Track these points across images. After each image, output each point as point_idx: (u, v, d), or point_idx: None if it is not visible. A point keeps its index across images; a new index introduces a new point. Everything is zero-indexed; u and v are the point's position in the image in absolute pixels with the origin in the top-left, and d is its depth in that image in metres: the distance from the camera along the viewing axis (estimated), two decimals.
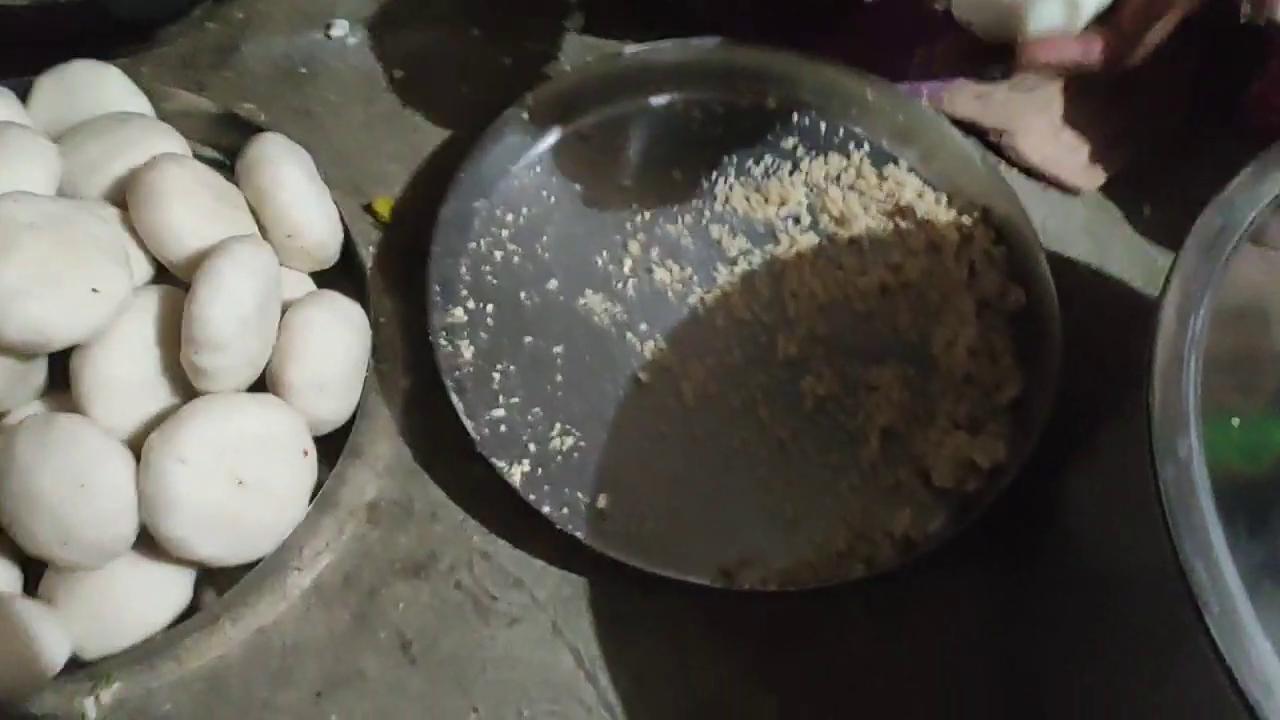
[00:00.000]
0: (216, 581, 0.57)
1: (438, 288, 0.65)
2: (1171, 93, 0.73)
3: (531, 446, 0.63)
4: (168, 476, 0.52)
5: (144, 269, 0.58)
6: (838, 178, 0.74)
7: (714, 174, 0.74)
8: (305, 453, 0.57)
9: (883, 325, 0.69)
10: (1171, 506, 0.41)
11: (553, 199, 0.72)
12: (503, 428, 0.64)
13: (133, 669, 0.55)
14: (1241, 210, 0.48)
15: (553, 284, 0.69)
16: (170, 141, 0.62)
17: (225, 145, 0.68)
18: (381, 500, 0.62)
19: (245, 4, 0.77)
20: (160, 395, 0.56)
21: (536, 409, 0.65)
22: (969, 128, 0.74)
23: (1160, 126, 0.74)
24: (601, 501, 0.62)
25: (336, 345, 0.59)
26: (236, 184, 0.62)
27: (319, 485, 0.58)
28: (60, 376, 0.55)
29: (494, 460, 0.60)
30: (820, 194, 0.73)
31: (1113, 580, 0.50)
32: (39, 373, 0.55)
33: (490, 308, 0.68)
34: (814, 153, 0.75)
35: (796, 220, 0.72)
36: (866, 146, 0.75)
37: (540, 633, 0.59)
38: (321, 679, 0.57)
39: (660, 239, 0.71)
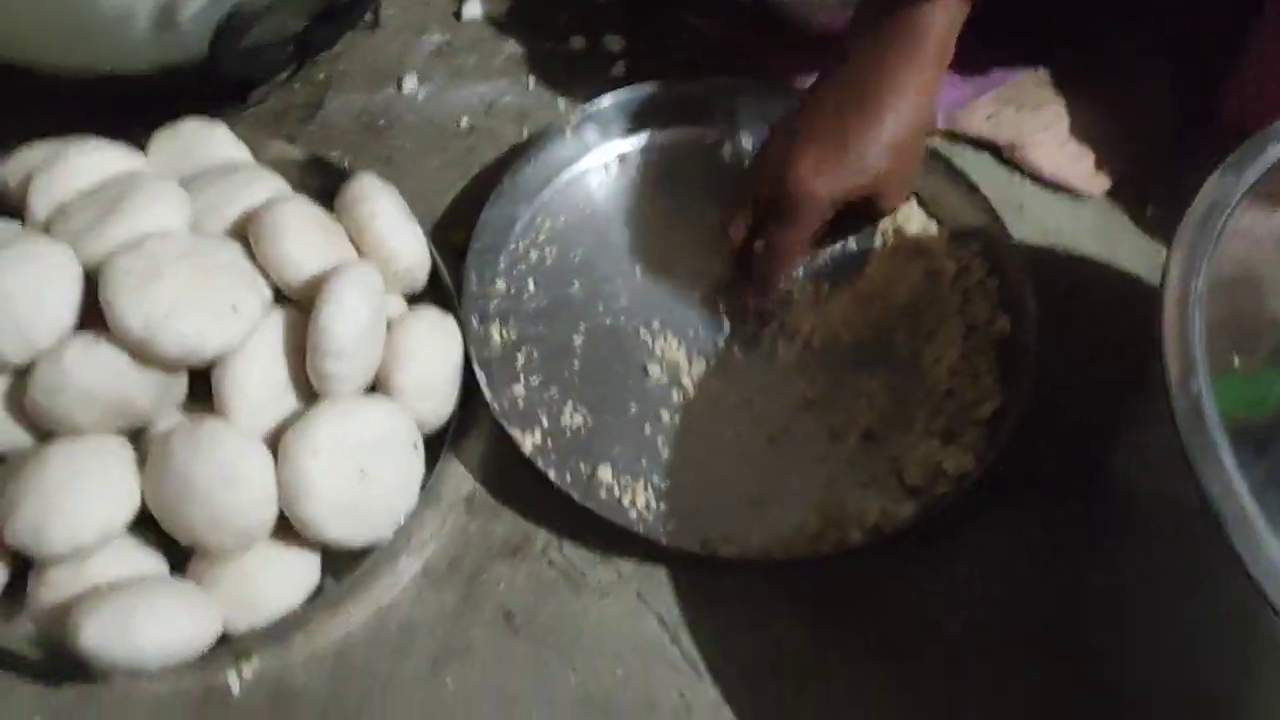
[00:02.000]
0: (337, 569, 0.64)
1: (475, 276, 0.73)
2: (1159, 101, 0.80)
3: (544, 421, 0.70)
4: (303, 468, 0.59)
5: (268, 295, 0.65)
6: None
7: None
8: (415, 446, 0.64)
9: (877, 340, 0.74)
10: (1187, 434, 0.48)
11: (589, 210, 0.80)
12: (521, 403, 0.71)
13: (270, 645, 0.62)
14: (1228, 190, 0.55)
15: (578, 283, 0.76)
16: (276, 184, 0.70)
17: (316, 188, 0.75)
18: (477, 492, 0.69)
19: (327, 65, 0.85)
20: (289, 400, 0.63)
21: (553, 389, 0.72)
22: (982, 144, 0.81)
23: (1154, 133, 0.80)
24: (600, 473, 0.68)
25: (436, 353, 0.67)
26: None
27: (425, 480, 0.65)
28: (197, 392, 0.63)
29: (509, 428, 0.68)
30: None
31: (1149, 511, 0.58)
32: (181, 386, 0.63)
33: (521, 299, 0.75)
34: None
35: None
36: None
37: (627, 602, 0.65)
38: (436, 652, 0.63)
39: (678, 250, 0.78)
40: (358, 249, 0.69)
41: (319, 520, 0.60)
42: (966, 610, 0.65)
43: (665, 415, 0.72)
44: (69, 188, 0.64)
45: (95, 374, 0.58)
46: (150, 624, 0.55)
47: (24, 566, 0.58)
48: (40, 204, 0.63)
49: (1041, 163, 0.79)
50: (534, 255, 0.78)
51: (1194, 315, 0.52)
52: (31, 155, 0.67)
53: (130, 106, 0.72)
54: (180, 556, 0.61)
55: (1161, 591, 0.56)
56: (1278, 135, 0.56)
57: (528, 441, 0.69)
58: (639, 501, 0.68)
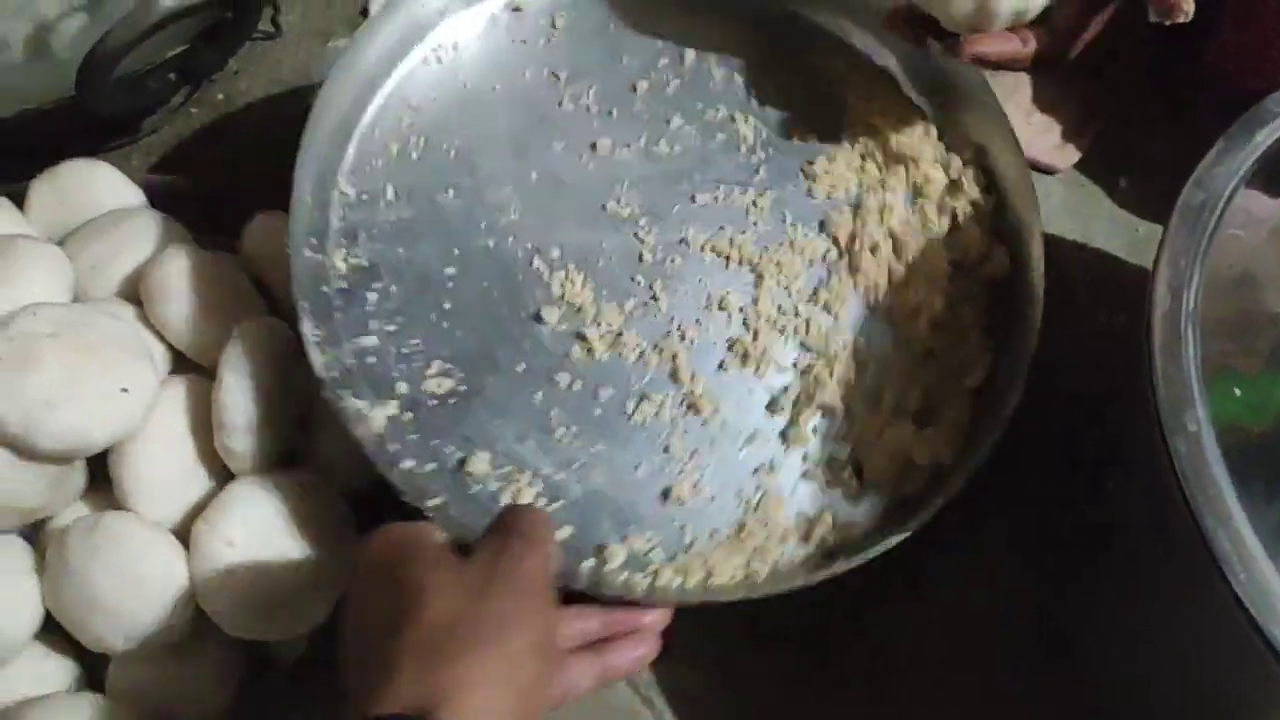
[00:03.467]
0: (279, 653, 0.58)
1: (308, 185, 0.60)
2: (1131, 68, 0.75)
3: (402, 386, 0.59)
4: (217, 559, 0.53)
5: (164, 361, 0.59)
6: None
7: (682, 75, 0.70)
8: (343, 520, 0.58)
9: (836, 276, 0.65)
10: (1187, 479, 0.43)
11: (467, 86, 0.67)
12: (371, 358, 0.59)
13: None
14: (1220, 182, 0.49)
15: (452, 190, 0.64)
16: (170, 232, 0.63)
17: (224, 224, 0.68)
18: None
19: (224, 84, 0.78)
20: (199, 482, 0.57)
21: (415, 340, 0.60)
22: None
23: (1124, 101, 0.75)
24: (475, 464, 0.58)
25: None
26: (241, 260, 0.63)
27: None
28: (100, 473, 0.57)
29: (351, 399, 0.56)
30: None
31: (1139, 529, 0.53)
32: (79, 475, 0.57)
33: (375, 209, 0.62)
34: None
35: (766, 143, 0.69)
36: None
37: None
38: None
39: (603, 156, 0.67)
40: (267, 294, 0.63)
41: (239, 617, 0.54)
42: (954, 634, 0.61)
43: (563, 380, 0.61)
44: None
45: None
46: None
47: None
48: None
49: None
50: (393, 148, 0.64)
51: (1188, 333, 0.47)
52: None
53: (7, 153, 0.65)
54: (98, 661, 0.55)
55: (1151, 612, 0.53)
56: (1264, 119, 0.50)
57: (378, 416, 0.57)
58: (521, 500, 0.58)
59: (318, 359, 0.57)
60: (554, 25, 0.70)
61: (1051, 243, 0.69)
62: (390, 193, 0.64)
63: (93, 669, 0.56)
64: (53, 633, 0.55)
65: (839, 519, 0.61)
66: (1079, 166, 0.75)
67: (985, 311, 0.66)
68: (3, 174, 0.64)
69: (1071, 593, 0.62)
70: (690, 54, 0.70)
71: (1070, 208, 0.74)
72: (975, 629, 0.62)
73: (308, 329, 0.57)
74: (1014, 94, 0.74)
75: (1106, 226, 0.74)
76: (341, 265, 0.62)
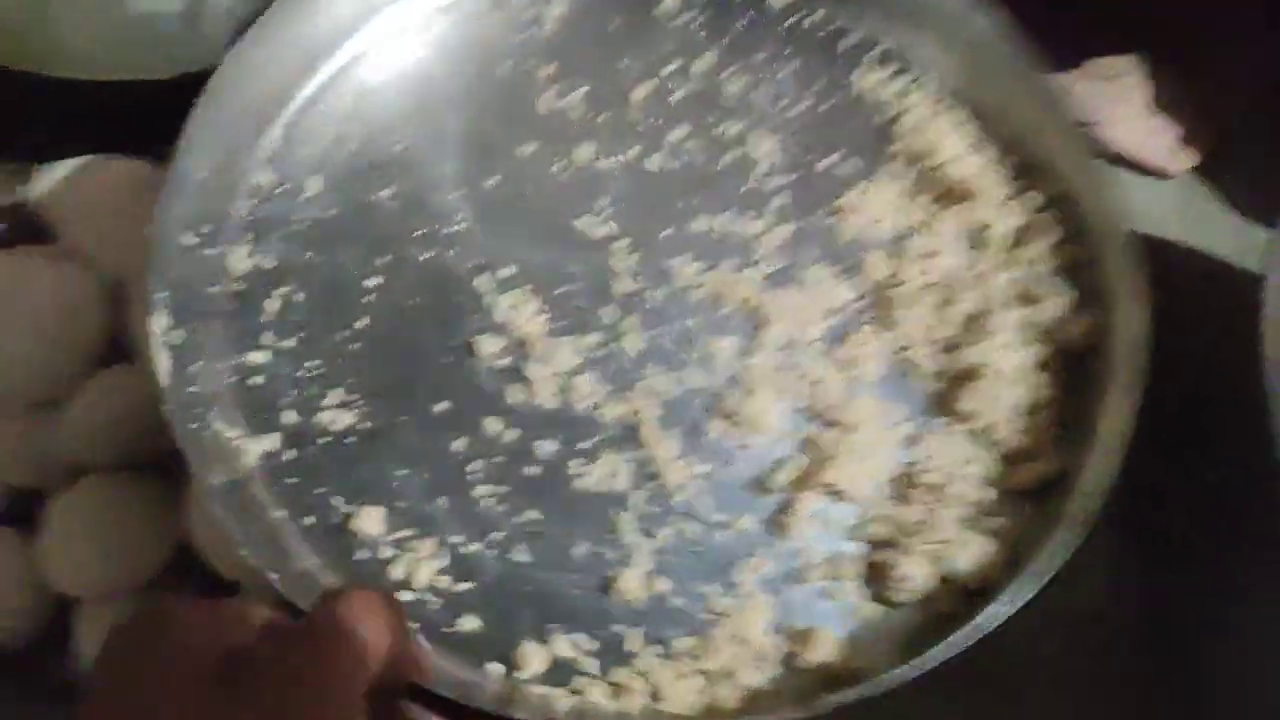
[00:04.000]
0: None
1: (205, 160, 0.49)
2: (1252, 70, 0.62)
3: (290, 416, 0.48)
4: None
5: None
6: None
7: (691, 82, 0.57)
8: None
9: (861, 328, 0.52)
10: None
11: (432, 73, 0.56)
12: (256, 378, 0.48)
13: None
14: None
15: (392, 191, 0.53)
16: None
17: None
18: None
19: None
20: None
21: (315, 361, 0.49)
22: None
23: (1244, 103, 0.63)
24: (366, 521, 0.46)
25: None
26: None
27: None
28: None
29: (217, 424, 0.46)
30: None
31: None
32: None
33: (294, 202, 0.52)
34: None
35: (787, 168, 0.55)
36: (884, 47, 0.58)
37: None
38: None
39: (581, 166, 0.55)
40: None
41: None
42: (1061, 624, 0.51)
43: (493, 427, 0.48)
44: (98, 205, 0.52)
45: None
46: None
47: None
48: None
49: (1118, 140, 0.61)
50: (328, 134, 0.53)
51: None
52: (55, 173, 0.54)
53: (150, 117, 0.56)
54: None
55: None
56: None
57: (251, 451, 0.47)
58: (419, 578, 0.46)
59: (164, 366, 0.44)
60: (547, 13, 0.58)
61: (1162, 248, 0.58)
62: (315, 186, 0.53)
63: None
64: None
65: (840, 639, 0.46)
66: (1193, 170, 0.64)
67: (1061, 390, 0.50)
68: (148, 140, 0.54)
69: (1180, 585, 0.53)
70: (705, 59, 0.58)
71: (1183, 212, 0.63)
72: (1082, 618, 0.52)
73: (159, 325, 0.45)
74: (1131, 95, 0.61)
75: (1220, 232, 0.63)
76: (240, 264, 0.50)
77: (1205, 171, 0.63)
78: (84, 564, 0.46)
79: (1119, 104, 0.61)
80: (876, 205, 0.55)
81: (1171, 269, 0.56)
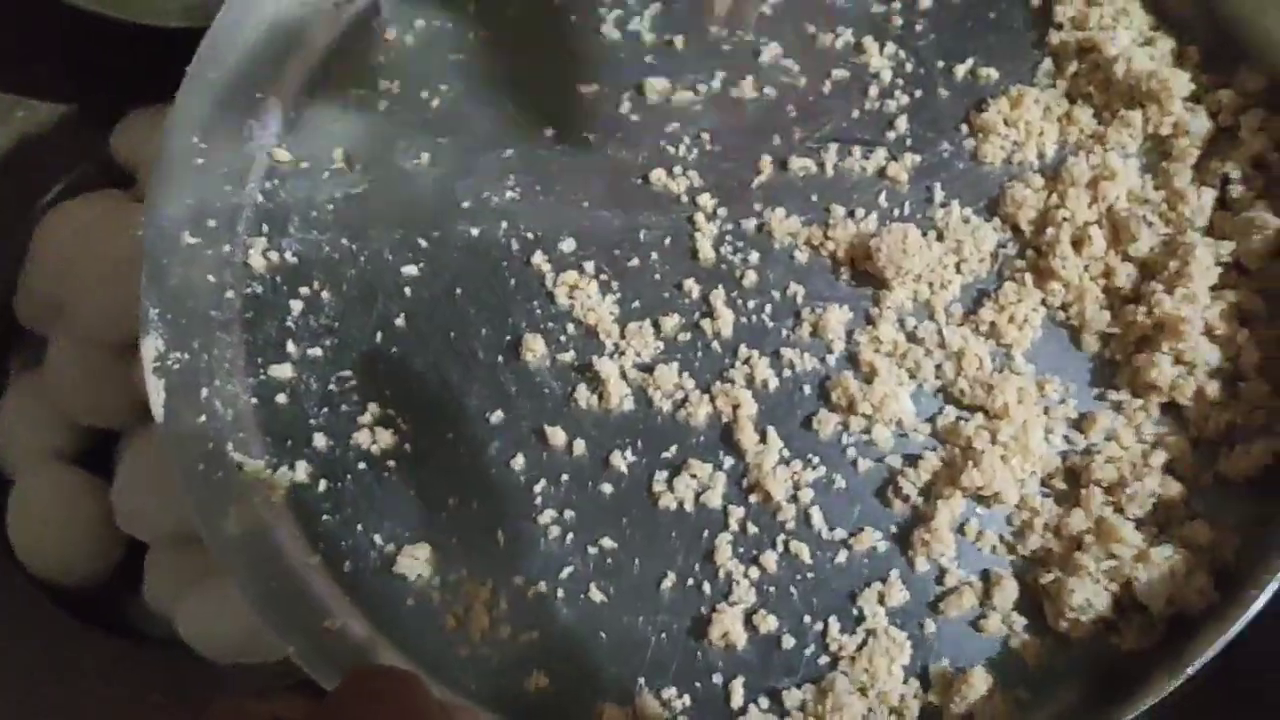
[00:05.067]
0: None
1: (198, 136, 0.42)
2: None
3: (320, 440, 0.41)
4: None
5: None
6: None
7: None
8: None
9: (1013, 285, 0.41)
10: None
11: (472, 7, 0.47)
12: (281, 397, 0.41)
13: None
14: None
15: (430, 156, 0.44)
16: None
17: None
18: None
19: None
20: None
21: (347, 371, 0.42)
22: None
23: None
24: (412, 562, 0.39)
25: None
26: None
27: None
28: None
29: (241, 456, 0.40)
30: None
31: None
32: None
33: (316, 184, 0.44)
34: None
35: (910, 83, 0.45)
36: None
37: None
38: None
39: (654, 103, 0.45)
40: None
41: None
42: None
43: (558, 439, 0.40)
44: None
45: None
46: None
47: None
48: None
49: None
50: (352, 95, 0.45)
51: None
52: (140, 122, 0.52)
53: None
54: None
55: None
56: None
57: (278, 484, 0.40)
58: (475, 628, 0.39)
59: (159, 398, 0.38)
60: None
61: None
62: (339, 158, 0.45)
63: None
64: None
65: (997, 683, 0.37)
66: None
67: (1277, 350, 0.39)
68: None
69: None
70: None
71: None
72: None
73: (153, 349, 0.38)
74: None
75: None
76: (257, 262, 0.43)
77: None
78: (153, 508, 0.44)
79: None
80: (1027, 119, 0.43)
81: None
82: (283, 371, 0.42)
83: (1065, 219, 0.41)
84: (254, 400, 0.41)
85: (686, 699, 0.38)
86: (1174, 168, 0.42)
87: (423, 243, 0.43)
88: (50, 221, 0.48)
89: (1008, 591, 0.38)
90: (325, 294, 0.43)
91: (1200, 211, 0.41)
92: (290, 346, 0.42)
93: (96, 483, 0.47)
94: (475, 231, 0.43)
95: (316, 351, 0.42)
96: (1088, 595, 0.36)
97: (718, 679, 0.38)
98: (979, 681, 0.37)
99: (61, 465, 0.48)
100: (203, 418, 0.40)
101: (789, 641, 0.38)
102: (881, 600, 0.38)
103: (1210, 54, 0.43)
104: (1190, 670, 0.34)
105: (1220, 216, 0.41)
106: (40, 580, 0.47)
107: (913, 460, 0.39)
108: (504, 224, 0.43)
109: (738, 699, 0.38)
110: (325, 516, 0.40)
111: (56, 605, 0.46)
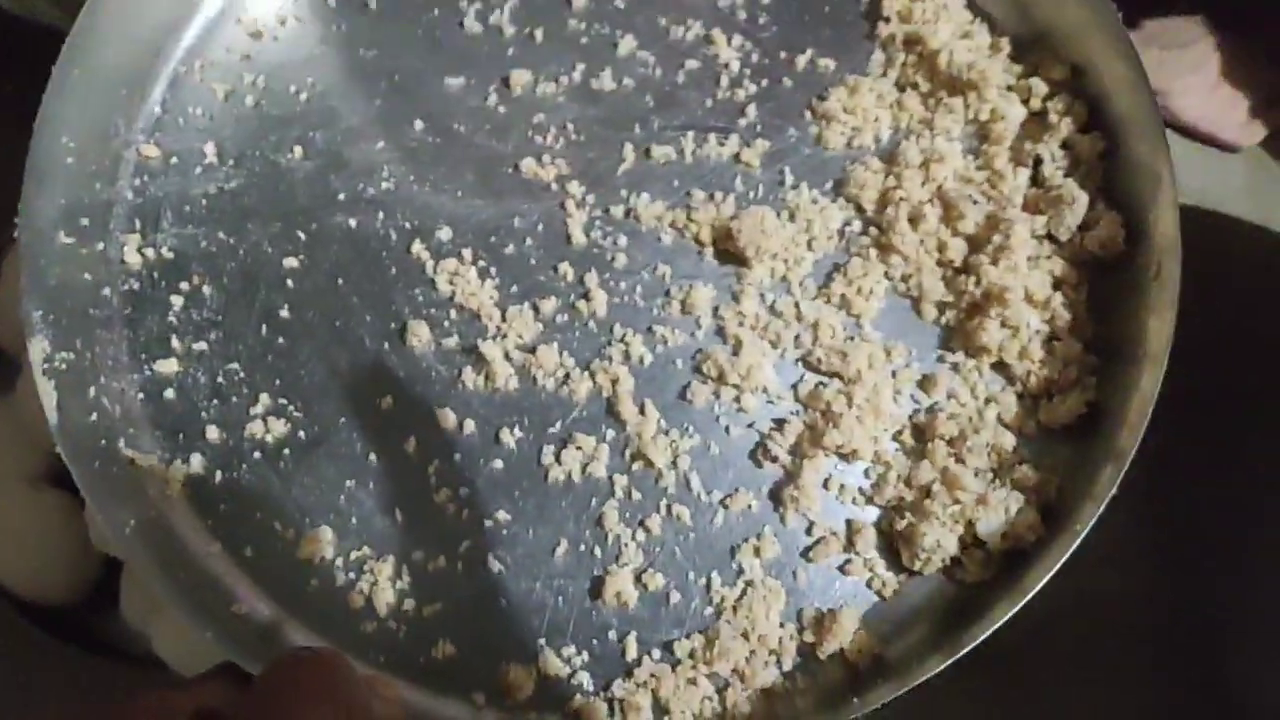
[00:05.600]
0: None
1: (72, 140, 0.42)
2: None
3: (213, 432, 0.42)
4: None
5: None
6: None
7: None
8: None
9: (859, 259, 0.45)
10: None
11: (332, 2, 0.48)
12: (169, 392, 0.42)
13: None
14: None
15: (303, 148, 0.45)
16: None
17: None
18: None
19: None
20: None
21: (235, 364, 0.43)
22: None
23: None
24: (314, 546, 0.40)
25: None
26: None
27: None
28: None
29: (133, 451, 0.40)
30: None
31: None
32: None
33: (188, 179, 0.45)
34: None
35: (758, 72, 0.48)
36: None
37: None
38: None
39: (519, 96, 0.47)
40: None
41: None
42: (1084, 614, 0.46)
43: (449, 420, 0.42)
44: None
45: None
46: None
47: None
48: None
49: (1185, 111, 0.55)
50: (219, 91, 0.46)
51: None
52: None
53: None
54: None
55: None
56: None
57: (174, 477, 0.41)
58: (381, 604, 0.40)
59: (51, 399, 0.38)
60: None
61: (1229, 224, 0.53)
62: (211, 153, 0.45)
63: None
64: None
65: (865, 620, 0.41)
66: (1263, 144, 0.58)
67: (1086, 312, 0.44)
68: None
69: (1214, 576, 0.48)
70: None
71: (1252, 189, 0.57)
72: (1108, 612, 0.48)
73: (39, 350, 0.38)
74: (1200, 68, 0.54)
75: None
76: (133, 259, 0.43)
77: (1275, 145, 0.57)
78: None
79: (1189, 74, 0.55)
80: (863, 106, 0.47)
81: (1238, 250, 0.53)
82: (168, 366, 0.42)
83: (902, 198, 0.45)
84: (141, 395, 0.42)
85: (585, 655, 0.40)
86: (993, 150, 0.47)
87: (301, 235, 0.44)
88: None
89: (868, 538, 0.42)
90: (206, 288, 0.43)
91: (1017, 189, 0.46)
92: (174, 341, 0.42)
93: (72, 502, 0.47)
94: (353, 222, 0.45)
95: (201, 345, 0.43)
96: (937, 537, 0.41)
97: (613, 635, 0.41)
98: (847, 621, 0.41)
99: (37, 486, 0.48)
100: (93, 415, 0.40)
101: (676, 597, 0.41)
102: (758, 554, 0.42)
103: (1020, 45, 0.48)
104: (1027, 597, 0.39)
105: (1035, 194, 0.46)
106: (17, 599, 0.47)
107: (779, 424, 0.43)
108: (381, 214, 0.45)
109: (633, 652, 0.40)
110: (223, 506, 0.41)
111: (33, 623, 0.47)
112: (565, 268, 0.44)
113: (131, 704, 0.31)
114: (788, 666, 0.41)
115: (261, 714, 0.29)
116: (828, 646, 0.40)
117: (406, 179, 0.45)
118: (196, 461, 0.41)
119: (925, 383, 0.44)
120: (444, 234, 0.45)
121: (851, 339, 0.44)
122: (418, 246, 0.44)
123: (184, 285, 0.43)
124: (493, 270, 0.44)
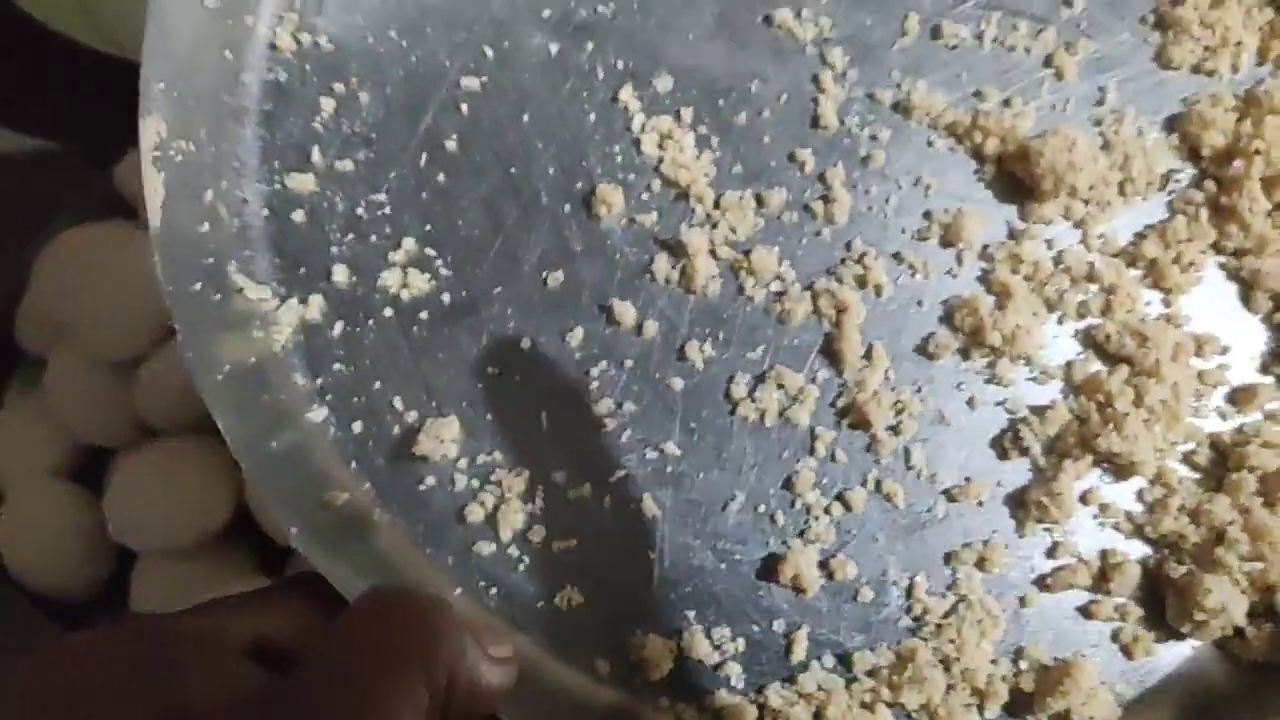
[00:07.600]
0: None
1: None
2: None
3: (340, 272, 0.34)
4: None
5: None
6: None
7: None
8: None
9: (1185, 219, 0.35)
10: None
11: None
12: (298, 214, 0.34)
13: None
14: None
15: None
16: None
17: None
18: None
19: None
20: None
21: (381, 195, 0.34)
22: None
23: None
24: (436, 438, 0.32)
25: None
26: None
27: None
28: None
29: (244, 281, 0.32)
30: None
31: None
32: None
33: (351, 108, 0.35)
34: None
35: None
36: None
37: None
38: None
39: None
40: None
41: None
42: None
43: (626, 315, 0.34)
44: None
45: None
46: None
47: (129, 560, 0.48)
48: None
49: None
50: None
51: None
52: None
53: None
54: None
55: None
56: None
57: (284, 320, 0.33)
58: (504, 527, 0.32)
59: (157, 194, 0.30)
60: None
61: None
62: (365, 94, 0.36)
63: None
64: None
65: (1102, 680, 0.32)
66: None
67: None
68: None
69: None
70: None
71: None
72: None
73: (155, 131, 0.31)
74: None
75: None
76: (285, 42, 0.35)
77: None
78: (146, 520, 0.45)
79: None
80: (1229, 22, 0.36)
81: None
82: (304, 182, 0.34)
83: (1258, 151, 0.34)
84: (266, 212, 0.34)
85: (741, 643, 0.32)
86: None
87: (489, 52, 0.35)
88: (56, 247, 0.48)
89: (1128, 577, 0.32)
90: (364, 95, 0.35)
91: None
92: (315, 154, 0.34)
93: (88, 496, 0.48)
94: (554, 48, 0.35)
95: (347, 165, 0.34)
96: (1225, 598, 0.31)
97: (779, 625, 0.32)
98: (1087, 675, 0.31)
99: (53, 480, 0.48)
100: (205, 225, 0.32)
101: (867, 594, 0.32)
102: (980, 565, 0.33)
103: None
104: None
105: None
106: (32, 592, 0.47)
107: (1040, 410, 0.33)
108: (590, 45, 0.35)
109: (800, 652, 0.32)
110: (338, 366, 0.33)
111: (48, 617, 0.46)
112: (806, 155, 0.35)
113: (177, 626, 0.24)
114: (992, 715, 0.32)
115: (334, 671, 0.22)
116: (1054, 703, 0.31)
117: (630, 6, 0.36)
118: (316, 305, 0.33)
119: (1240, 394, 0.34)
120: (663, 84, 0.35)
121: (1156, 319, 0.34)
122: (627, 93, 0.35)
123: (338, 86, 0.35)
124: (714, 141, 0.35)
